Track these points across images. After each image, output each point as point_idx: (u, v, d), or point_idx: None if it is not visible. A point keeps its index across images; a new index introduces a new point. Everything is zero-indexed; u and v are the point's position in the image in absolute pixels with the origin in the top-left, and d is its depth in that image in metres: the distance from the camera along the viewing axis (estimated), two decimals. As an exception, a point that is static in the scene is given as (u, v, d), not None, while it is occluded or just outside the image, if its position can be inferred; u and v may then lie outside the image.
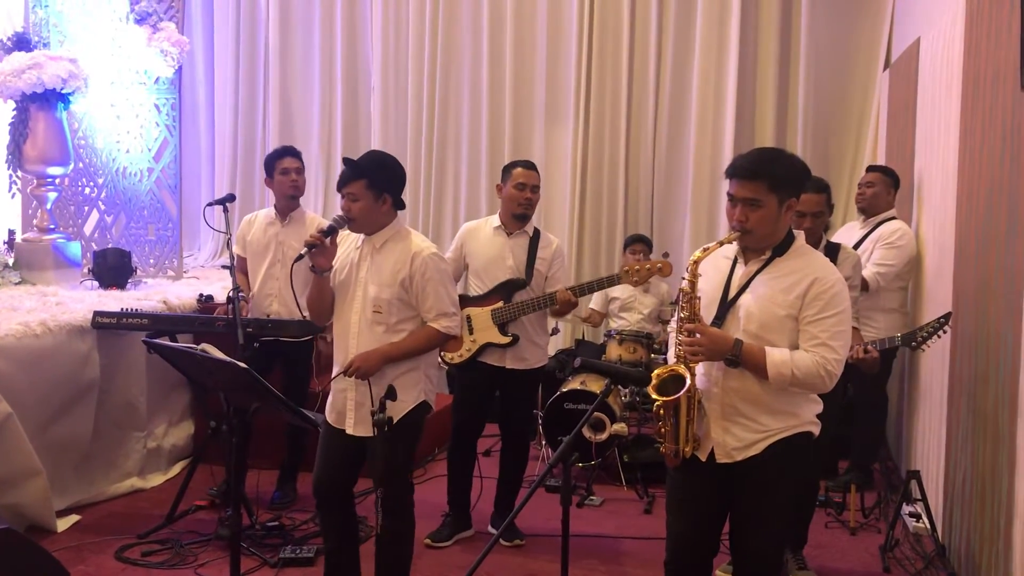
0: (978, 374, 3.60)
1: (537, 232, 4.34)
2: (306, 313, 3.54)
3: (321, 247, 3.23)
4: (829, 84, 6.81)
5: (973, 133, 3.79)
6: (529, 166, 4.30)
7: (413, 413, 3.32)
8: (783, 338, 2.68)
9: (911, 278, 4.97)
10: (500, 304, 4.21)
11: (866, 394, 5.02)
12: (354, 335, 3.31)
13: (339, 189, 3.32)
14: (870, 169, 5.20)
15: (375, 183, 3.27)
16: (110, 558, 4.05)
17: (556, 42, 7.23)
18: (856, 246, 4.85)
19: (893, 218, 4.95)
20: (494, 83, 7.33)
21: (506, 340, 4.19)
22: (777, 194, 2.68)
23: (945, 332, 3.90)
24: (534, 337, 4.30)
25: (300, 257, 3.26)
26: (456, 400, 4.49)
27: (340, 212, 3.31)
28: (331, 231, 3.25)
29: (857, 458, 5.13)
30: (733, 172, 2.73)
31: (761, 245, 2.75)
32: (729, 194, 2.74)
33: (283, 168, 4.63)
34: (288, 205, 4.69)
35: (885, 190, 4.97)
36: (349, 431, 3.33)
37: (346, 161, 3.33)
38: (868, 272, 4.70)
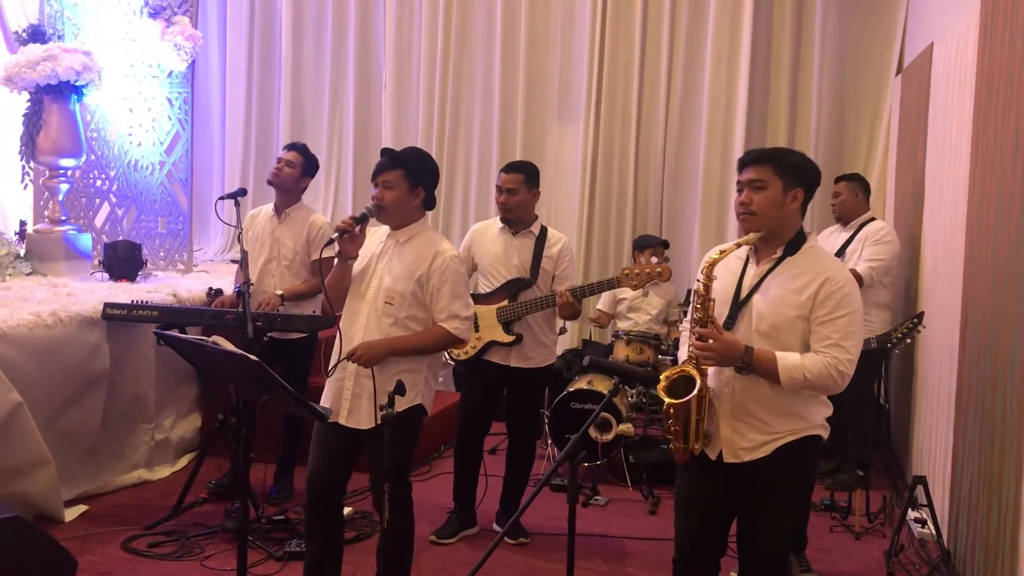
0: (987, 380, 3.60)
1: (544, 230, 4.35)
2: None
3: (351, 234, 3.23)
4: (841, 89, 6.81)
5: (985, 139, 3.78)
6: (508, 168, 4.31)
7: (408, 414, 3.26)
8: (794, 339, 2.68)
9: (897, 275, 5.28)
10: (505, 303, 4.22)
11: (854, 391, 5.05)
12: (361, 325, 3.29)
13: (374, 178, 3.32)
14: (837, 180, 5.45)
15: (412, 175, 3.30)
16: (117, 548, 4.06)
17: (569, 40, 7.24)
18: (843, 248, 5.16)
19: (872, 219, 5.26)
20: (506, 81, 7.35)
21: (510, 339, 4.21)
22: (783, 179, 2.70)
23: (919, 332, 4.22)
24: (540, 336, 4.31)
25: (330, 242, 3.26)
26: (462, 397, 4.51)
27: (372, 201, 3.32)
28: (362, 219, 3.25)
29: (855, 454, 5.17)
30: (743, 160, 2.77)
31: (765, 231, 2.73)
32: (738, 182, 2.78)
33: (278, 156, 4.76)
34: (282, 200, 4.72)
35: (852, 195, 5.25)
36: (342, 421, 3.30)
37: (385, 151, 3.35)
38: (862, 267, 4.99)
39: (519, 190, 4.25)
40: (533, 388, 4.45)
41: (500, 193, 4.27)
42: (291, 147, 4.78)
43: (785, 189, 2.70)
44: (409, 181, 3.29)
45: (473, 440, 4.40)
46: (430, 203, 3.41)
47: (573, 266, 4.37)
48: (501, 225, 4.35)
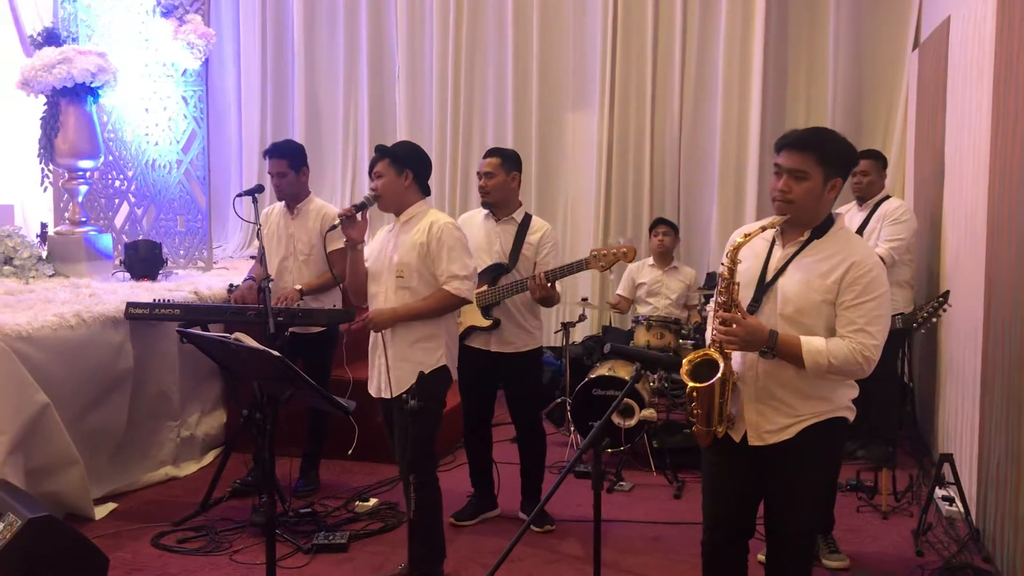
0: (1012, 358, 3.57)
1: (527, 218, 4.37)
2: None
3: (352, 220, 3.58)
4: (858, 65, 6.75)
5: (1006, 113, 3.74)
6: (486, 154, 4.39)
7: (433, 377, 3.42)
8: (819, 323, 2.65)
9: (916, 252, 5.24)
10: (484, 288, 4.24)
11: (878, 370, 5.04)
12: (380, 302, 3.65)
13: (369, 172, 3.70)
14: (861, 156, 5.27)
15: (396, 160, 3.65)
16: (147, 545, 4.11)
17: (581, 25, 7.21)
18: (860, 229, 5.11)
19: (888, 197, 5.23)
20: (519, 69, 7.32)
21: (487, 323, 4.24)
22: (824, 169, 2.64)
23: (945, 311, 4.22)
24: (521, 321, 4.31)
25: (333, 227, 3.62)
26: (459, 384, 4.50)
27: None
28: (362, 207, 3.61)
29: (882, 433, 5.15)
30: (784, 143, 2.68)
31: (801, 223, 2.70)
32: (776, 164, 2.70)
33: (268, 171, 4.75)
34: (292, 198, 4.76)
35: (878, 175, 5.22)
36: (371, 392, 3.66)
37: (376, 147, 3.71)
38: (882, 249, 4.93)
39: (496, 173, 4.29)
40: (524, 377, 4.40)
41: (480, 178, 4.34)
42: (270, 155, 4.70)
43: (825, 180, 2.65)
44: (395, 166, 3.64)
45: (474, 424, 4.43)
46: (424, 186, 3.76)
47: (555, 254, 4.37)
48: (486, 212, 4.39)
